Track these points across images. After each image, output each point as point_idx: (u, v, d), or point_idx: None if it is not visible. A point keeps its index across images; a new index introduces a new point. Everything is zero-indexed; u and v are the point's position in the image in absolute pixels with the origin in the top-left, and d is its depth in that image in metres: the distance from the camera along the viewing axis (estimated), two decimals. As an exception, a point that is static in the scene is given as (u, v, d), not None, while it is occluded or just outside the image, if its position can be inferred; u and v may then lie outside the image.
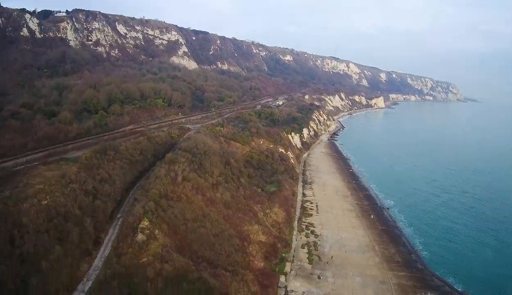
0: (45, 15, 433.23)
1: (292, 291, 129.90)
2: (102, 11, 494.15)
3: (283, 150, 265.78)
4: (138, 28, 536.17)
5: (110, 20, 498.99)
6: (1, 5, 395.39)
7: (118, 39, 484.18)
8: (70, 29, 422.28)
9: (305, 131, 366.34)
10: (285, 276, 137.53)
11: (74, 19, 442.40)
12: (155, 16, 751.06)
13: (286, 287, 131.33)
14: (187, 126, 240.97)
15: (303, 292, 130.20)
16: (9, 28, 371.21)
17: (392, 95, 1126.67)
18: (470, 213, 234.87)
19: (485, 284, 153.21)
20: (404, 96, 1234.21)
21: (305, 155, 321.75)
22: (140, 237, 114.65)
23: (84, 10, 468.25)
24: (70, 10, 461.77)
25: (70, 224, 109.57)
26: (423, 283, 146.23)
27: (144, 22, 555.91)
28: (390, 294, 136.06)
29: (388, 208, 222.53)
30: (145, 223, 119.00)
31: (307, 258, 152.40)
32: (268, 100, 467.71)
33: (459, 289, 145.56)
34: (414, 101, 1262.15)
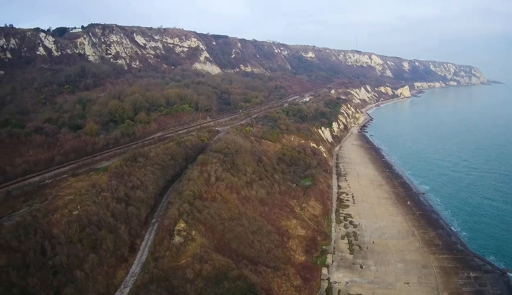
0: (60, 33, 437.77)
1: (335, 282, 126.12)
2: (118, 24, 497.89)
3: (314, 145, 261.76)
4: (156, 37, 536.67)
5: (128, 32, 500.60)
6: (14, 26, 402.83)
7: (137, 50, 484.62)
8: (88, 44, 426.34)
9: (334, 125, 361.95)
10: (327, 268, 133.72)
11: (90, 34, 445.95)
12: (172, 24, 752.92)
13: (329, 279, 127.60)
14: (216, 128, 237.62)
15: (347, 282, 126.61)
16: (24, 49, 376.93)
17: (417, 84, 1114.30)
18: (504, 189, 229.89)
19: None
20: (429, 84, 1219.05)
21: (336, 148, 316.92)
22: (177, 239, 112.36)
23: (100, 24, 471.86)
24: (85, 25, 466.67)
25: (103, 231, 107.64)
26: (465, 264, 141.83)
27: (162, 31, 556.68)
28: (433, 277, 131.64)
29: (423, 193, 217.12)
30: (181, 225, 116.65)
31: (348, 248, 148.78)
32: (295, 98, 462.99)
33: (500, 267, 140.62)
34: (439, 88, 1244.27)
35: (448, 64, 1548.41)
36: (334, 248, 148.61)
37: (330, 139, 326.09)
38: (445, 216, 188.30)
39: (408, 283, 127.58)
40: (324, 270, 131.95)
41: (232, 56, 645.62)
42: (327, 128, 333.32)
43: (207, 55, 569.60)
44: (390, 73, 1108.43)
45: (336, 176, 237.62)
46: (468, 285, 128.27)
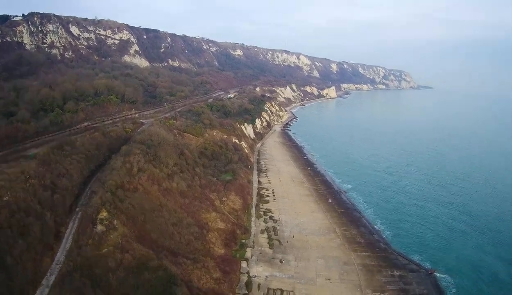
0: (3, 20, 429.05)
1: (255, 276, 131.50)
2: (56, 13, 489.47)
3: (236, 140, 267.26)
4: (90, 28, 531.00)
5: (64, 22, 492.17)
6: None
7: (71, 40, 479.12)
8: (26, 33, 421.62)
9: (258, 121, 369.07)
10: (247, 261, 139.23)
11: (30, 22, 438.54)
12: (108, 16, 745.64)
13: (248, 272, 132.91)
14: (141, 120, 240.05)
15: (266, 276, 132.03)
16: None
17: (344, 85, 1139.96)
18: (427, 189, 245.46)
19: (452, 259, 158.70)
20: (356, 86, 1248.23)
21: (258, 145, 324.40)
22: (99, 228, 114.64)
23: (39, 13, 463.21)
24: (26, 14, 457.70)
25: (31, 218, 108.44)
26: (388, 262, 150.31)
27: (96, 23, 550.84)
28: (355, 274, 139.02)
29: (345, 192, 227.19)
30: (103, 214, 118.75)
31: (267, 243, 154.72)
32: (220, 94, 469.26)
33: (426, 267, 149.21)
34: (366, 90, 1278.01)
35: (378, 68, 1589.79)
36: (253, 242, 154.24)
37: (252, 135, 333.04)
38: (368, 214, 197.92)
39: (329, 279, 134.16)
40: (244, 264, 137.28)
41: (162, 50, 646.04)
42: (250, 125, 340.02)
43: (137, 48, 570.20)
44: (318, 74, 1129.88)
45: (257, 172, 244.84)
46: (392, 283, 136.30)
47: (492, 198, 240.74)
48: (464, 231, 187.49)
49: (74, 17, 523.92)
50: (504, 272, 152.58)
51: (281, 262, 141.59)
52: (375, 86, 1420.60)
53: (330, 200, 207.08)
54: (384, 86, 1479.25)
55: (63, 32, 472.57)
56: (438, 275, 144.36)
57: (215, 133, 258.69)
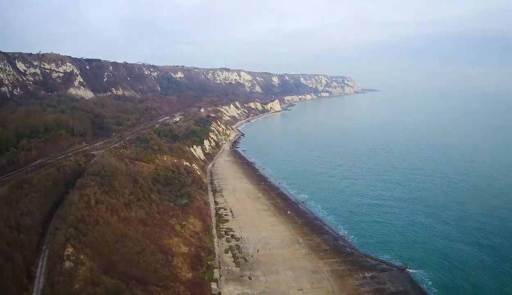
0: None
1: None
2: (2, 50, 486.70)
3: (187, 163, 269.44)
4: (35, 63, 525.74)
5: (11, 59, 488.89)
6: None
7: (18, 77, 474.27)
8: None
9: (206, 142, 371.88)
10: (216, 282, 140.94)
11: None
12: (51, 48, 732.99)
13: (219, 293, 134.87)
14: (92, 152, 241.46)
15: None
16: None
17: (287, 97, 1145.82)
18: (382, 188, 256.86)
19: (421, 252, 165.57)
20: (300, 97, 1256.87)
21: (210, 165, 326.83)
22: (67, 264, 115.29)
23: None
24: None
25: (2, 260, 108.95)
26: (357, 265, 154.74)
27: (40, 57, 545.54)
28: (327, 281, 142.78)
29: (303, 202, 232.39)
30: (69, 249, 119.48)
31: (233, 261, 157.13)
32: (165, 118, 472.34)
33: (397, 264, 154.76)
34: (310, 100, 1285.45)
35: (320, 76, 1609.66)
36: (219, 262, 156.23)
37: (202, 157, 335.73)
38: (329, 221, 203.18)
39: (302, 290, 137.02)
40: (214, 285, 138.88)
41: (105, 79, 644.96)
42: (198, 146, 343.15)
43: (81, 80, 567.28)
44: (260, 89, 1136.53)
45: (212, 193, 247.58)
46: (366, 285, 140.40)
47: (450, 188, 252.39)
48: (428, 223, 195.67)
49: (20, 53, 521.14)
50: (473, 257, 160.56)
51: (250, 278, 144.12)
52: (319, 94, 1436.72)
53: (289, 212, 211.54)
54: (327, 94, 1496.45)
55: (11, 69, 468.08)
56: (410, 270, 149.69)
57: (165, 158, 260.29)
